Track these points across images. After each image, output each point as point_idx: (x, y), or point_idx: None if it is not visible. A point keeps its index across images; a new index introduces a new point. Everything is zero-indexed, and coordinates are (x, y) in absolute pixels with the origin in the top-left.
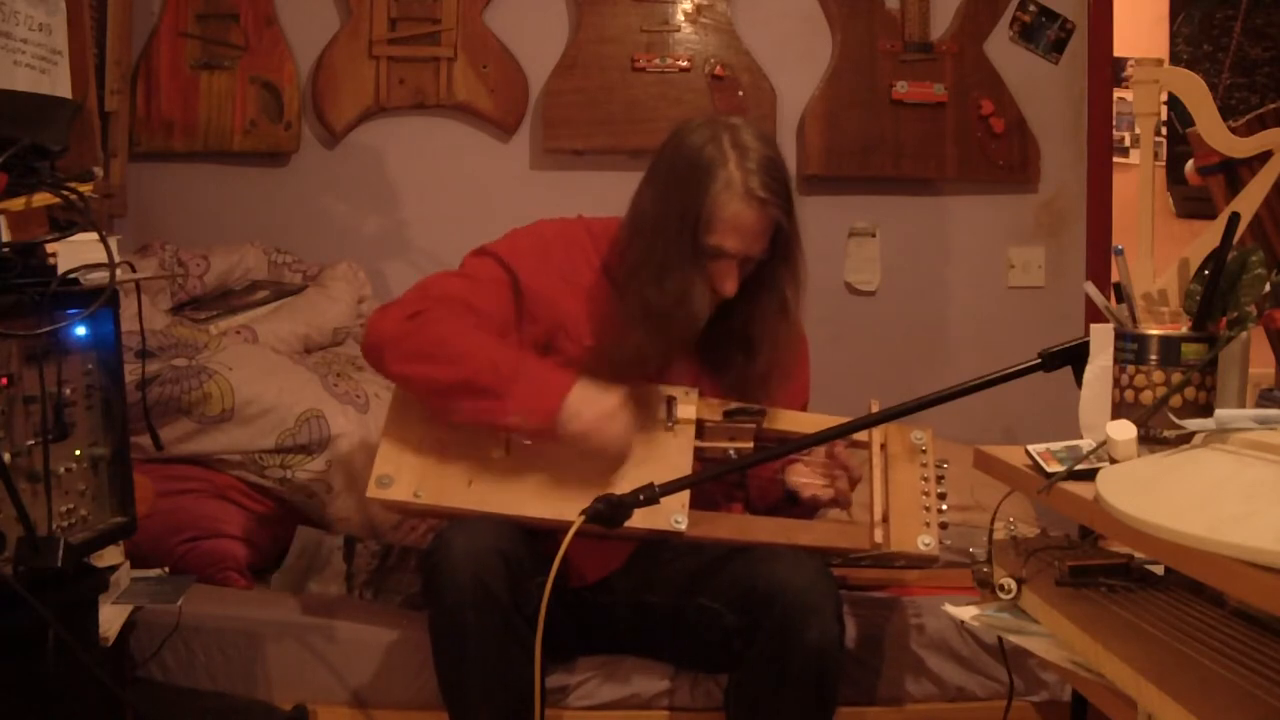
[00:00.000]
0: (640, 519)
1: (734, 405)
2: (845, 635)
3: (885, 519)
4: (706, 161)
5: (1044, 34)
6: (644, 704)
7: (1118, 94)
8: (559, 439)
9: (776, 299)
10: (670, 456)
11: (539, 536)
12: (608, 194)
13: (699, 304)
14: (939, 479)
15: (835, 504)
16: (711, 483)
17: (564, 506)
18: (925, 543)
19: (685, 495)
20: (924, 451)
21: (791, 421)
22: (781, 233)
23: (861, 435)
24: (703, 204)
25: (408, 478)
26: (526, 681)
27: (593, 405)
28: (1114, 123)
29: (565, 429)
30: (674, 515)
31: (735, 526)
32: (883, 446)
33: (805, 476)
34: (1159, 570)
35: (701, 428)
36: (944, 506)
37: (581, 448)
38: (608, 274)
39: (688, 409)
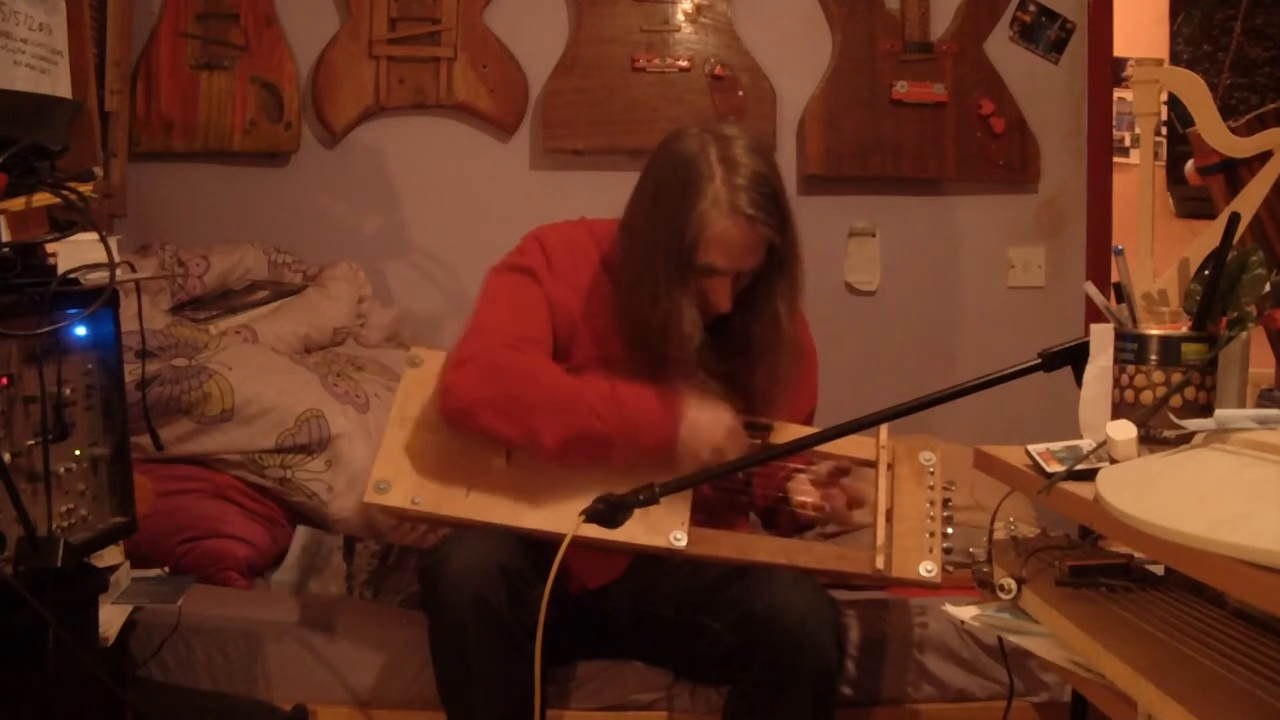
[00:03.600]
0: (640, 535)
1: (741, 420)
2: (845, 657)
3: (888, 544)
4: (693, 177)
5: (1044, 34)
6: (643, 708)
7: (1118, 94)
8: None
9: (770, 309)
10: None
11: (539, 547)
12: (607, 194)
13: (689, 326)
14: (945, 502)
15: (829, 519)
16: (719, 498)
17: (563, 517)
18: (927, 569)
19: (686, 511)
20: (932, 473)
21: (798, 436)
22: (774, 247)
23: (869, 454)
24: (689, 222)
25: (406, 484)
26: (527, 688)
27: (707, 437)
28: (1114, 123)
29: (685, 462)
30: (673, 533)
31: (735, 546)
32: (890, 467)
33: (805, 493)
34: (1159, 570)
35: None
36: (949, 530)
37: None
38: (611, 279)
39: None
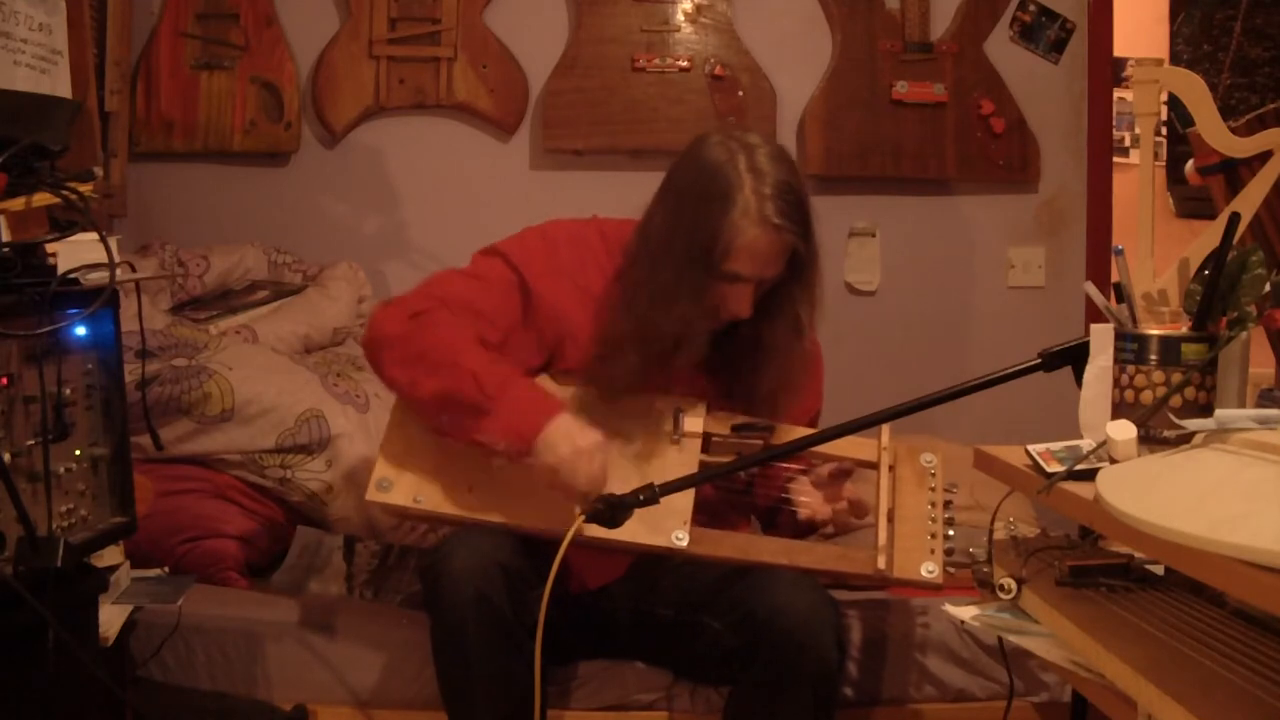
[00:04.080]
0: (641, 534)
1: (742, 420)
2: (845, 658)
3: (889, 545)
4: (722, 185)
5: (1044, 34)
6: (643, 708)
7: (1118, 94)
8: (531, 467)
9: (789, 318)
10: (674, 470)
11: (540, 547)
12: (607, 194)
13: (697, 333)
14: (946, 504)
15: (830, 524)
16: (720, 499)
17: (564, 517)
18: (929, 570)
19: (687, 512)
20: (933, 475)
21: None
22: (797, 256)
23: (871, 456)
24: (719, 230)
25: (408, 482)
26: (528, 688)
27: (570, 440)
28: (1114, 123)
29: (539, 459)
30: (675, 532)
31: (737, 546)
32: (891, 468)
33: (808, 494)
34: (1159, 570)
35: (708, 442)
36: (950, 533)
37: (550, 481)
38: (619, 281)
39: (694, 422)
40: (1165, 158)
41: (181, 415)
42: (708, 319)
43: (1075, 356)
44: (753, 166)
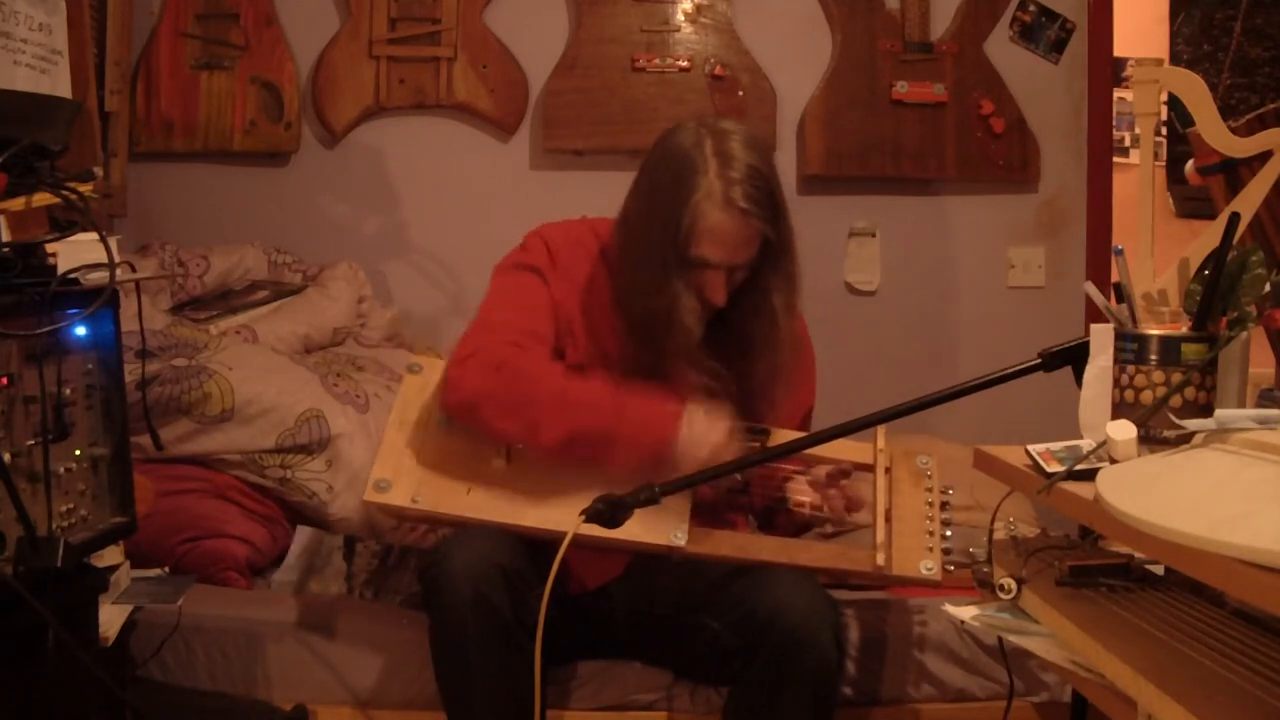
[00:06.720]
0: (640, 532)
1: (739, 425)
2: (845, 657)
3: (888, 543)
4: (687, 170)
5: (1044, 34)
6: (643, 708)
7: (1118, 94)
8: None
9: (766, 308)
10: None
11: (539, 547)
12: (607, 194)
13: (689, 318)
14: (943, 504)
15: (827, 520)
16: (717, 501)
17: (562, 516)
18: (928, 568)
19: (686, 510)
20: (929, 476)
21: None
22: (769, 242)
23: (867, 458)
24: (683, 214)
25: (406, 483)
26: (527, 689)
27: (706, 441)
28: (1114, 123)
29: (680, 466)
30: (674, 531)
31: (736, 545)
32: (887, 470)
33: (803, 493)
34: (1159, 570)
35: None
36: (948, 533)
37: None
38: (611, 276)
39: None
40: (1165, 158)
41: (181, 415)
42: (694, 304)
43: (1075, 356)
44: (720, 151)
